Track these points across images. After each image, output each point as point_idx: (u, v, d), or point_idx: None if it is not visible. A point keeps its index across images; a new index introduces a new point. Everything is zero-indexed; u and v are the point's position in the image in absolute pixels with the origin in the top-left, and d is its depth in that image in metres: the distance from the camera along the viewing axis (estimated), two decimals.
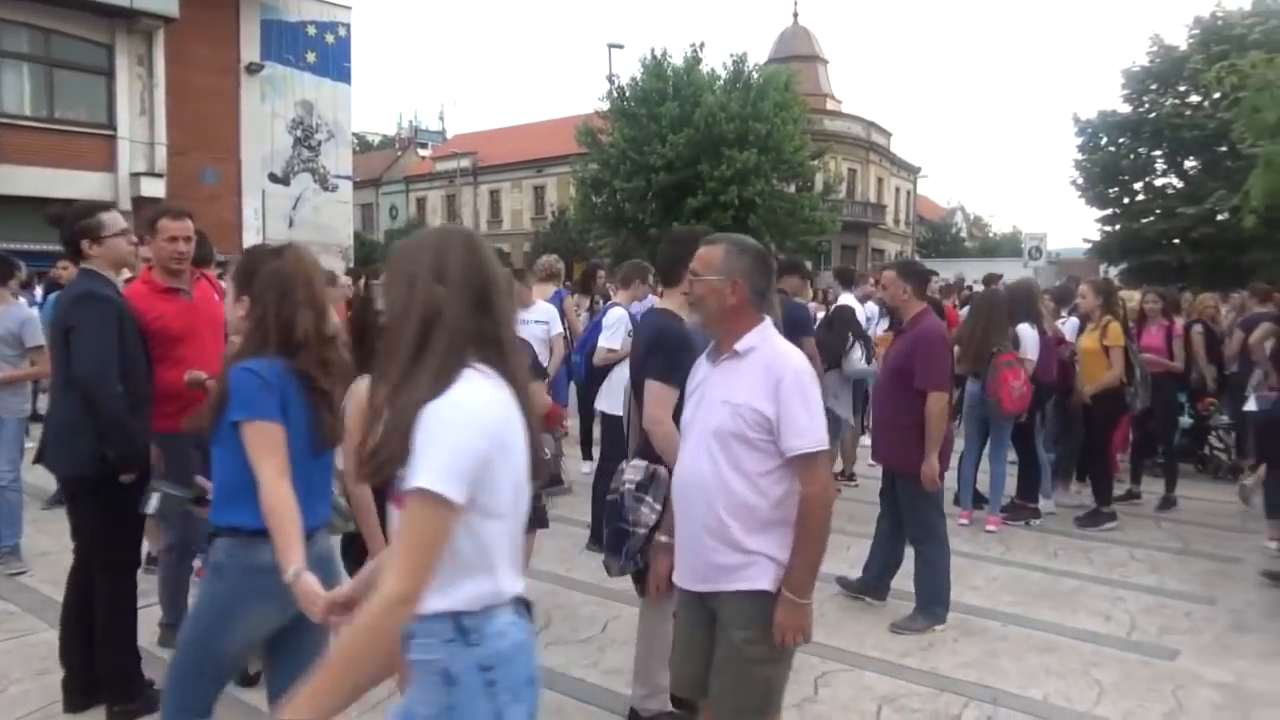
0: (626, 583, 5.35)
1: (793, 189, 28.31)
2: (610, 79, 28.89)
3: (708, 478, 2.48)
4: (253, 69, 21.15)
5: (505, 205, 50.34)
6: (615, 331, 6.16)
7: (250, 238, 19.88)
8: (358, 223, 34.17)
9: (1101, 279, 8.03)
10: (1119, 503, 7.24)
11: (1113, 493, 7.11)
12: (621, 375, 5.28)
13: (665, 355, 3.27)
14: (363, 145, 59.37)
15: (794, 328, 5.21)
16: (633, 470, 3.29)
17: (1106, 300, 7.06)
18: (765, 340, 2.51)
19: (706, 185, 25.75)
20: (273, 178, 21.89)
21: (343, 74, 23.46)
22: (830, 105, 43.25)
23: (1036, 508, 7.13)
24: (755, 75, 27.90)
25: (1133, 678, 4.23)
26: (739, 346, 2.51)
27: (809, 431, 2.41)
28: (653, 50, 28.22)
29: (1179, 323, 8.10)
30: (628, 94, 28.11)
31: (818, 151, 29.69)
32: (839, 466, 8.01)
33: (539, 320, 6.69)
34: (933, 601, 4.78)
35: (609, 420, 5.90)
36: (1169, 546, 6.47)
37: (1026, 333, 6.80)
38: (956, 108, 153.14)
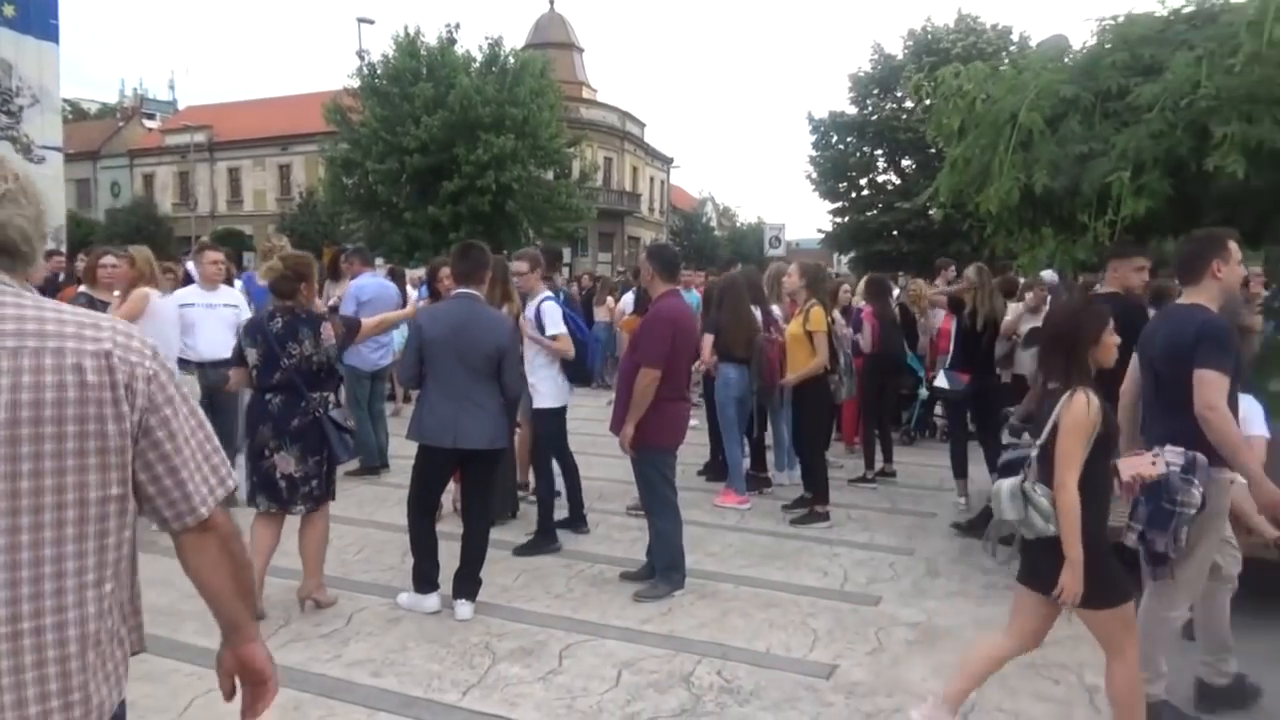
0: (374, 574, 5.32)
1: (550, 176, 28.57)
2: (361, 55, 27.77)
3: None
4: None
5: (247, 184, 47.15)
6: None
7: None
8: (72, 200, 30.75)
9: (812, 263, 7.71)
10: (862, 483, 7.80)
11: (828, 487, 6.76)
12: None
13: (1215, 343, 3.40)
14: (77, 113, 53.46)
15: None
16: (1172, 454, 3.47)
17: (811, 283, 6.83)
18: None
19: (463, 169, 25.42)
20: None
21: (49, 31, 20.75)
22: (586, 94, 43.98)
23: (768, 477, 7.71)
24: (511, 60, 27.82)
25: (843, 624, 4.71)
26: None
27: None
28: (406, 28, 27.49)
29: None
30: (379, 72, 27.17)
31: (574, 139, 30.13)
32: None
33: (228, 304, 6.56)
34: (669, 568, 5.08)
35: None
36: (879, 506, 7.22)
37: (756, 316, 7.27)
38: (706, 102, 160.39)
